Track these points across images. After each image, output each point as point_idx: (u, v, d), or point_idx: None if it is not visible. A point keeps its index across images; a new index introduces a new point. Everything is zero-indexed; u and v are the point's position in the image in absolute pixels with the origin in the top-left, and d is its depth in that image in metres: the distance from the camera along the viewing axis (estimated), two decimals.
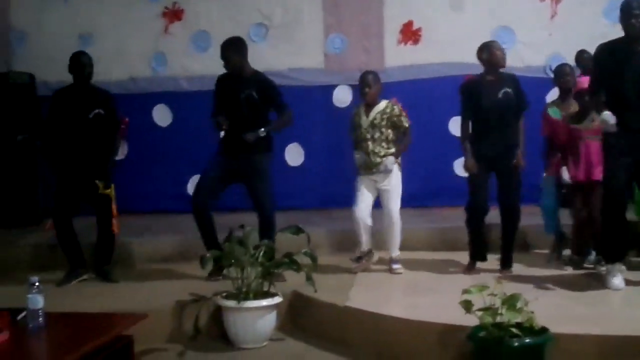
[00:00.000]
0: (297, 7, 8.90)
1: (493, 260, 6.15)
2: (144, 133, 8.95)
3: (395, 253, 6.23)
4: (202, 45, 8.68)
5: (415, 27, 8.66)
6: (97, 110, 6.13)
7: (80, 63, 6.13)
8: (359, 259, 6.26)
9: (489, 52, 5.94)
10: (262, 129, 5.98)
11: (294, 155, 8.69)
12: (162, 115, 9.03)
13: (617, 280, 5.26)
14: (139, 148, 9.01)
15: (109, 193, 6.18)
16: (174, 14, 9.04)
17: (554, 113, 6.25)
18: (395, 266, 6.17)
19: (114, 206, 6.28)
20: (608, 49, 5.29)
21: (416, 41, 8.63)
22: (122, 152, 8.99)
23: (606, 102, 5.27)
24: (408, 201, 7.35)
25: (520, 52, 7.98)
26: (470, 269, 6.07)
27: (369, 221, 6.19)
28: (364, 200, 6.19)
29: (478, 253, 6.13)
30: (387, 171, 6.11)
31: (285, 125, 6.30)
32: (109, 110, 6.24)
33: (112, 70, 8.86)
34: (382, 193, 6.22)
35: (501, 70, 6.00)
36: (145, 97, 8.99)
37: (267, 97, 6.10)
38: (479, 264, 6.10)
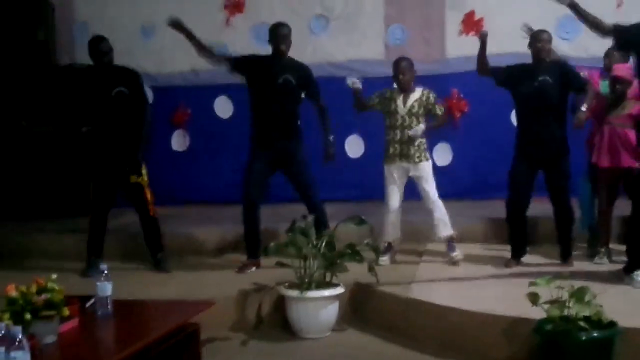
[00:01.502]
0: None
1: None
2: (205, 125, 9.04)
3: (450, 231, 6.18)
4: (263, 37, 8.61)
5: (477, 17, 8.55)
6: (119, 88, 6.10)
7: (98, 50, 6.12)
8: (386, 250, 6.20)
9: (534, 43, 5.94)
10: (331, 137, 6.18)
11: (353, 146, 8.67)
12: (223, 107, 9.05)
13: None
14: (200, 140, 9.10)
15: (140, 181, 6.16)
16: (235, 6, 9.08)
17: (605, 88, 6.15)
18: (453, 253, 6.13)
19: (148, 191, 6.21)
20: None
21: (478, 31, 8.50)
22: (183, 144, 9.14)
23: None
24: (464, 193, 7.32)
25: (585, 42, 7.83)
26: (511, 263, 6.00)
27: (397, 209, 6.24)
28: (393, 190, 6.24)
29: (518, 246, 6.09)
30: (416, 137, 6.10)
31: (329, 125, 6.28)
32: (134, 87, 6.22)
33: (174, 62, 8.95)
34: (418, 180, 6.21)
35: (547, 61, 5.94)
36: (207, 89, 9.01)
37: (306, 83, 6.20)
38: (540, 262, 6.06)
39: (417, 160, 6.17)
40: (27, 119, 8.16)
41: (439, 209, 6.18)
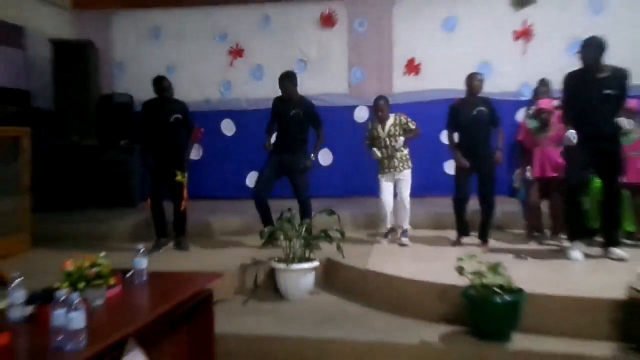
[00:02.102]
0: (328, 47, 8.86)
1: (473, 237, 6.11)
2: (214, 140, 8.98)
3: (407, 226, 6.19)
4: (258, 75, 8.70)
5: (416, 62, 8.63)
6: (176, 115, 6.13)
7: (162, 85, 6.16)
8: (387, 234, 6.21)
9: (470, 81, 5.93)
10: (312, 155, 6.16)
11: (325, 157, 8.65)
12: (228, 127, 9.04)
13: (577, 254, 5.17)
14: (210, 151, 9.02)
15: (182, 180, 6.13)
16: (237, 52, 9.05)
17: (531, 123, 6.15)
18: (404, 239, 6.12)
19: (185, 191, 6.19)
20: (574, 75, 5.17)
21: (417, 73, 8.61)
22: (198, 154, 9.07)
23: (572, 116, 5.18)
24: (413, 192, 7.27)
25: (497, 82, 7.89)
26: (456, 243, 6.02)
27: (391, 205, 6.18)
28: (387, 190, 6.17)
29: (462, 230, 6.09)
30: (399, 149, 6.07)
31: (321, 146, 6.34)
32: (185, 115, 6.23)
33: (190, 93, 8.81)
34: (397, 182, 6.18)
35: (479, 95, 5.96)
36: (216, 114, 8.99)
37: (310, 115, 6.15)
38: (464, 240, 6.06)
39: (401, 169, 6.17)
40: (78, 135, 8.04)
41: (407, 207, 6.17)
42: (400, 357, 3.98)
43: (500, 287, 3.91)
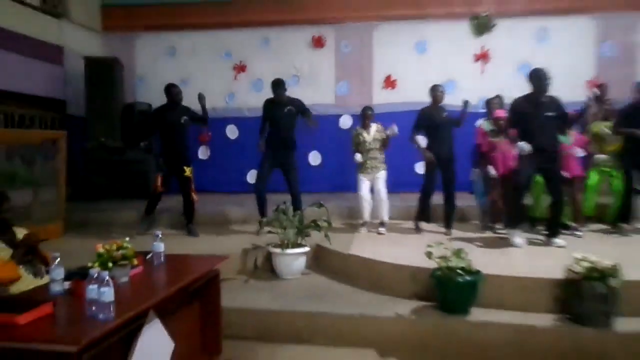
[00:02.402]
0: (318, 64, 8.86)
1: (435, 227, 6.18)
2: (220, 143, 8.96)
3: (386, 219, 6.19)
4: (258, 87, 8.67)
5: (392, 78, 8.68)
6: (185, 117, 6.16)
7: (174, 91, 6.19)
8: (363, 224, 6.21)
9: (434, 93, 6.04)
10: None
11: (315, 158, 8.68)
12: (232, 132, 9.02)
13: (519, 240, 5.22)
14: (216, 152, 9.01)
15: (189, 175, 6.15)
16: (240, 68, 9.04)
17: (486, 125, 6.19)
18: (382, 229, 6.13)
19: (192, 183, 6.21)
20: (523, 100, 5.23)
21: (393, 87, 8.65)
22: (206, 154, 9.07)
23: (521, 133, 5.21)
24: (390, 187, 7.30)
25: (461, 96, 7.86)
26: (417, 229, 6.08)
27: (369, 200, 6.18)
28: (365, 187, 6.18)
29: (422, 218, 6.15)
30: (394, 134, 6.10)
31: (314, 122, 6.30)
32: (191, 116, 6.26)
33: None
34: (375, 181, 6.18)
35: (440, 104, 6.05)
36: (222, 120, 8.93)
37: (299, 107, 6.19)
38: (434, 230, 6.09)
39: (379, 169, 6.19)
40: (105, 137, 8.01)
41: (385, 202, 6.17)
42: (378, 328, 4.01)
43: (462, 269, 3.95)
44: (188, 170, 6.15)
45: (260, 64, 8.88)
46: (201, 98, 6.24)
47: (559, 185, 5.30)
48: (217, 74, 9.01)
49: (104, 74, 8.19)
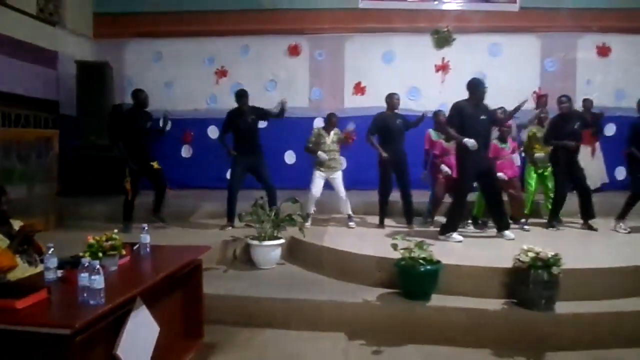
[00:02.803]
0: (294, 71, 8.81)
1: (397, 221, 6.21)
2: (202, 142, 8.82)
3: (350, 212, 6.25)
4: None
5: (362, 85, 8.69)
6: (150, 122, 6.08)
7: (141, 96, 6.06)
8: (307, 216, 6.12)
9: (390, 100, 6.10)
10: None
11: (290, 157, 8.65)
12: (213, 132, 8.81)
13: (458, 236, 5.29)
14: (198, 151, 8.88)
15: (158, 168, 6.08)
16: (222, 72, 8.92)
17: (436, 136, 6.27)
18: (351, 223, 6.17)
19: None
20: (463, 105, 5.30)
21: (363, 93, 8.67)
22: (189, 153, 8.96)
23: (461, 133, 5.24)
24: (353, 184, 7.36)
25: (423, 102, 8.05)
26: (381, 223, 6.10)
27: (318, 196, 6.24)
28: (319, 184, 6.21)
29: (383, 214, 6.18)
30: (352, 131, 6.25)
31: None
32: (153, 122, 6.15)
33: (184, 104, 8.80)
34: (333, 181, 6.22)
35: (396, 110, 6.13)
36: (203, 121, 8.82)
37: (261, 113, 6.16)
38: (396, 225, 6.13)
39: (336, 169, 6.25)
40: (95, 136, 7.85)
41: (346, 199, 6.24)
42: (347, 313, 4.04)
43: (424, 259, 4.01)
44: (155, 164, 6.06)
45: (240, 69, 8.80)
46: (165, 118, 6.20)
47: (496, 181, 5.41)
48: (200, 78, 8.90)
49: (94, 77, 8.02)
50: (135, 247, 3.43)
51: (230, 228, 5.92)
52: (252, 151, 6.08)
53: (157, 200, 6.20)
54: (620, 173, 8.22)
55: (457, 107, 5.32)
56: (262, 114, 6.19)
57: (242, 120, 6.04)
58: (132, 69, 8.91)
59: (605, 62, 8.47)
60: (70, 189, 7.52)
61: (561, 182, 5.95)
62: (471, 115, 5.20)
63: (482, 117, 5.23)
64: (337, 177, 6.24)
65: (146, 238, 3.46)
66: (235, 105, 6.15)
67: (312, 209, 6.23)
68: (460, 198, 5.34)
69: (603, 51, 8.47)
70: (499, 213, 5.42)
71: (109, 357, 2.55)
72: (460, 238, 5.26)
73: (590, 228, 5.89)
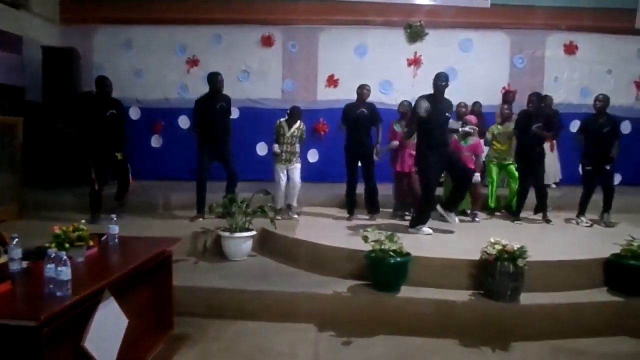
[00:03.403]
0: (267, 62, 8.75)
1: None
2: (172, 132, 8.70)
3: (295, 203, 6.29)
4: None
5: (335, 77, 8.70)
6: (112, 111, 5.89)
7: (104, 82, 5.94)
8: (280, 211, 6.19)
9: (360, 90, 6.11)
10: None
11: (262, 148, 8.59)
12: (183, 122, 8.74)
13: (427, 229, 5.36)
14: (169, 140, 8.75)
15: (123, 159, 5.97)
16: (193, 62, 8.80)
17: (398, 127, 6.34)
18: (292, 214, 6.21)
19: (129, 168, 6.07)
20: (427, 98, 5.33)
21: (336, 86, 8.68)
22: (159, 143, 8.82)
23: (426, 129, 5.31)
24: (316, 176, 7.39)
25: (395, 96, 8.10)
26: (350, 218, 6.12)
27: (284, 189, 6.24)
28: (282, 177, 6.21)
29: (351, 205, 6.22)
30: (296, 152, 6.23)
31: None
32: (120, 111, 6.01)
33: (154, 93, 8.69)
34: (291, 172, 6.23)
35: (367, 101, 6.12)
36: (174, 111, 8.71)
37: (230, 107, 6.11)
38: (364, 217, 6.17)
39: (294, 162, 6.25)
40: (62, 124, 7.64)
41: (297, 190, 6.26)
42: (317, 304, 4.07)
43: (394, 251, 4.05)
44: (119, 155, 5.93)
45: (212, 59, 8.66)
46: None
47: (467, 169, 5.51)
48: (171, 67, 8.77)
49: (61, 63, 7.81)
50: (103, 238, 3.37)
51: (200, 219, 5.87)
52: (219, 139, 5.97)
53: (118, 192, 6.11)
54: None
55: (421, 100, 5.38)
56: (230, 106, 6.11)
57: (210, 105, 5.95)
58: (100, 56, 8.71)
59: (572, 60, 8.71)
60: (36, 179, 7.32)
61: (523, 178, 6.13)
62: (435, 111, 5.22)
63: (447, 114, 5.29)
64: (295, 168, 6.25)
65: (114, 229, 3.41)
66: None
67: (281, 204, 6.21)
68: (428, 193, 5.41)
69: (570, 49, 8.69)
70: (458, 195, 5.51)
71: (76, 350, 2.51)
72: (429, 231, 5.34)
73: (548, 221, 6.12)
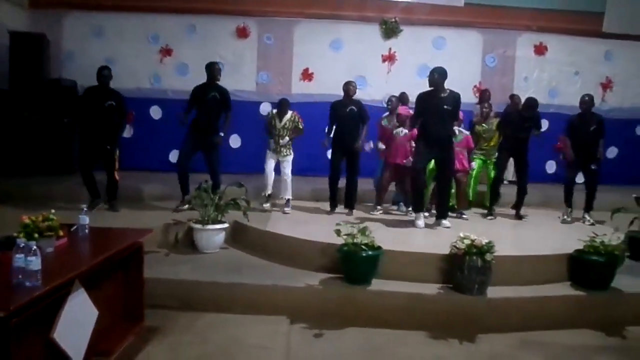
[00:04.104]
0: (241, 54, 8.68)
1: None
2: (144, 122, 8.55)
3: (289, 196, 6.27)
4: (183, 71, 8.38)
5: (310, 71, 8.68)
6: (110, 102, 5.81)
7: (102, 73, 5.83)
8: (267, 199, 6.26)
9: (346, 87, 6.08)
10: (222, 134, 6.02)
11: (235, 141, 8.53)
12: (155, 112, 8.64)
13: (421, 222, 5.46)
14: (140, 131, 8.59)
15: (114, 153, 5.89)
16: (166, 51, 8.65)
17: (385, 122, 6.40)
18: (287, 208, 6.20)
19: (117, 164, 5.95)
20: (425, 95, 5.43)
21: (310, 80, 8.67)
22: (129, 133, 8.65)
23: (422, 123, 5.42)
24: (300, 171, 7.38)
25: (369, 91, 8.16)
26: (330, 212, 6.15)
27: (272, 176, 6.25)
28: (270, 165, 6.24)
29: (333, 200, 6.24)
30: (286, 144, 6.19)
31: (228, 126, 6.18)
32: (119, 102, 5.91)
33: (126, 82, 8.33)
34: (282, 163, 6.24)
35: (354, 97, 6.10)
36: (146, 101, 8.56)
37: (224, 98, 6.03)
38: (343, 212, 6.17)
39: (284, 154, 6.24)
40: (29, 111, 7.44)
41: (289, 183, 6.25)
42: (290, 297, 4.09)
43: (366, 245, 4.10)
44: (110, 148, 5.85)
45: (186, 49, 8.57)
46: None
47: (447, 171, 5.53)
48: (143, 56, 8.60)
49: (29, 49, 7.58)
50: (73, 229, 3.33)
51: (186, 207, 5.79)
52: (208, 131, 5.95)
53: (108, 188, 6.00)
54: (550, 167, 8.73)
55: (419, 98, 5.48)
56: (225, 98, 6.05)
57: (202, 94, 5.92)
58: (70, 43, 8.49)
59: (542, 60, 8.91)
60: (1, 168, 7.12)
61: (499, 172, 6.28)
62: (431, 105, 5.31)
63: (446, 107, 5.33)
64: (286, 161, 6.25)
65: (85, 219, 3.36)
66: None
67: (269, 190, 6.23)
68: (415, 178, 5.47)
69: (540, 50, 8.89)
70: (441, 202, 5.63)
71: (46, 341, 2.48)
72: (422, 224, 5.43)
73: (520, 218, 6.28)
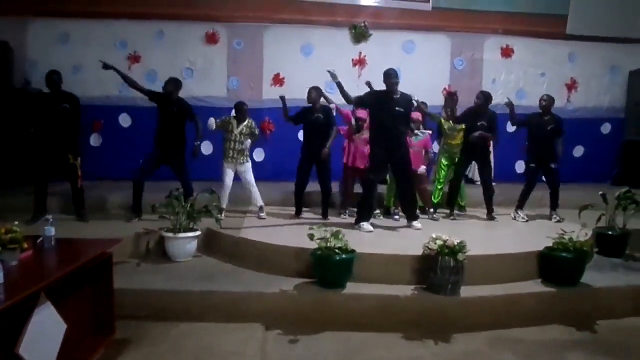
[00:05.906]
0: (211, 59, 8.62)
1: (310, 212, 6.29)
2: (113, 130, 8.43)
3: (260, 203, 6.22)
4: (152, 78, 8.21)
5: (281, 76, 8.66)
6: (64, 105, 5.64)
7: (51, 78, 5.67)
8: (221, 212, 6.11)
9: (309, 94, 6.09)
10: (198, 142, 5.93)
11: (206, 147, 8.43)
12: (124, 120, 8.51)
13: (368, 226, 5.44)
14: (109, 139, 8.46)
15: (75, 163, 5.73)
16: (134, 58, 8.54)
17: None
18: (262, 214, 6.16)
19: (79, 170, 5.78)
20: (377, 93, 5.47)
21: (281, 85, 8.63)
22: (98, 142, 8.51)
23: (374, 126, 5.46)
24: (269, 177, 7.36)
25: (338, 95, 8.13)
26: (296, 216, 6.15)
27: (229, 187, 6.15)
28: (229, 175, 6.13)
29: (299, 205, 6.23)
30: (244, 150, 6.11)
31: (202, 134, 6.04)
32: (73, 105, 5.73)
33: (94, 90, 8.30)
34: (242, 174, 6.17)
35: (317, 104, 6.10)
36: (115, 108, 8.44)
37: (185, 111, 5.92)
38: (312, 217, 6.19)
39: (242, 161, 6.15)
40: None
41: (256, 190, 6.21)
42: (264, 303, 4.06)
43: (339, 248, 4.11)
44: (72, 158, 5.70)
45: (154, 55, 8.47)
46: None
47: (407, 174, 5.56)
48: (111, 63, 8.34)
49: None
50: (38, 241, 3.24)
51: (137, 220, 5.72)
52: (171, 144, 5.84)
53: (74, 198, 5.85)
54: (520, 166, 8.89)
55: (369, 96, 5.52)
56: (186, 111, 5.94)
57: (163, 107, 5.83)
58: (35, 51, 8.29)
59: (508, 62, 9.11)
60: None
61: (459, 173, 6.37)
62: (385, 107, 5.35)
63: (398, 109, 5.37)
64: (246, 170, 6.18)
65: (50, 230, 3.28)
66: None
67: (224, 204, 6.07)
68: (369, 188, 5.50)
69: (506, 52, 9.09)
70: (408, 204, 5.66)
71: (12, 357, 2.40)
72: (370, 228, 5.42)
73: (492, 219, 6.34)
